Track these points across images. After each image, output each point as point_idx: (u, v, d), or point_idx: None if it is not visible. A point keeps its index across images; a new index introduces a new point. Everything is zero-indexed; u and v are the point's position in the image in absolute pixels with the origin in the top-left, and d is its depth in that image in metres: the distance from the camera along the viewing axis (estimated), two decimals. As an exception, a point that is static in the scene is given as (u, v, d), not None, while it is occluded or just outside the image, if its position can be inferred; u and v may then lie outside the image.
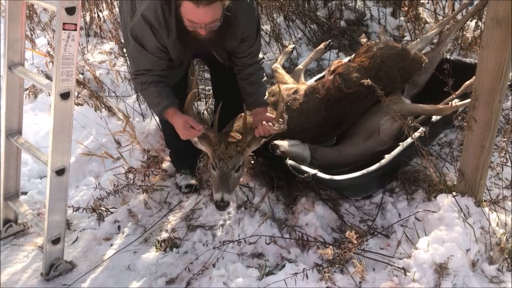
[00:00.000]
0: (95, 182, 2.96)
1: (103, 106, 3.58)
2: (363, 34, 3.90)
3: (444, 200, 2.28)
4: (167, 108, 2.38)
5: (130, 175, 2.91)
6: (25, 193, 3.06)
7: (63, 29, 2.00)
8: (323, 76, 3.10)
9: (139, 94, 2.51)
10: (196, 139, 2.47)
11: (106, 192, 2.79)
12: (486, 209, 2.19)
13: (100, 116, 3.51)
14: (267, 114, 2.48)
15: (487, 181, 2.31)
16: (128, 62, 2.69)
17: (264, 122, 2.40)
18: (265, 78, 2.65)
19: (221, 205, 2.36)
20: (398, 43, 3.38)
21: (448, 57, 3.26)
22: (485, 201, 2.29)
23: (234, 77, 2.67)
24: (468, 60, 3.35)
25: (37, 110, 3.97)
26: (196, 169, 3.01)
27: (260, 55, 2.66)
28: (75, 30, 2.03)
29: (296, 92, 2.84)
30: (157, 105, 2.42)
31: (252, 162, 2.95)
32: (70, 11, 1.99)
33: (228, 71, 2.69)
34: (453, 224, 2.14)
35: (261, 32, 2.52)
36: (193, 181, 2.89)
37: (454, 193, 2.27)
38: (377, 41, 3.11)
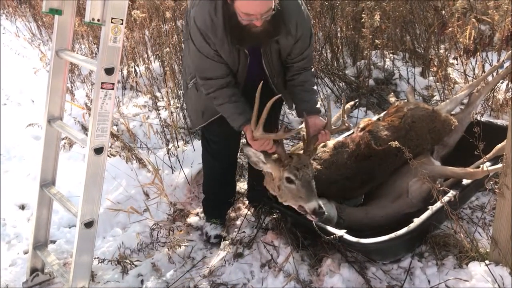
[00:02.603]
0: (122, 234, 2.99)
1: (134, 158, 3.68)
2: (392, 93, 3.94)
3: (477, 269, 2.18)
4: (245, 124, 2.42)
5: (154, 233, 2.94)
6: (53, 242, 3.10)
7: (101, 88, 2.11)
8: (351, 133, 3.10)
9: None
10: (261, 158, 2.43)
11: (129, 250, 2.85)
12: (523, 281, 2.08)
13: (130, 168, 3.60)
14: (321, 119, 2.49)
15: (523, 249, 2.21)
16: (187, 69, 2.74)
17: (323, 131, 2.44)
18: (315, 86, 2.66)
19: (321, 212, 2.31)
20: (427, 103, 3.39)
21: (478, 118, 3.23)
22: (521, 271, 2.18)
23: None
24: (499, 122, 3.30)
25: (72, 160, 4.10)
26: (225, 221, 3.01)
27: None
28: (112, 89, 2.14)
29: (324, 145, 2.85)
30: (235, 120, 2.46)
31: (276, 216, 2.93)
32: (109, 71, 2.10)
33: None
34: (487, 295, 2.05)
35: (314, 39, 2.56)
36: (223, 233, 2.90)
37: (487, 262, 2.18)
38: (406, 101, 3.13)
